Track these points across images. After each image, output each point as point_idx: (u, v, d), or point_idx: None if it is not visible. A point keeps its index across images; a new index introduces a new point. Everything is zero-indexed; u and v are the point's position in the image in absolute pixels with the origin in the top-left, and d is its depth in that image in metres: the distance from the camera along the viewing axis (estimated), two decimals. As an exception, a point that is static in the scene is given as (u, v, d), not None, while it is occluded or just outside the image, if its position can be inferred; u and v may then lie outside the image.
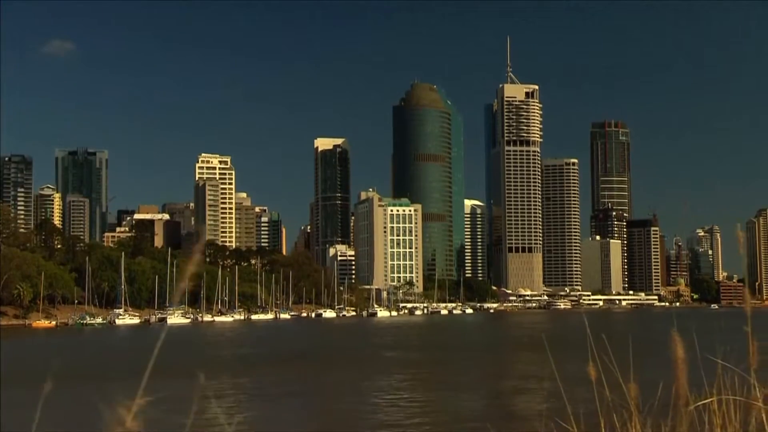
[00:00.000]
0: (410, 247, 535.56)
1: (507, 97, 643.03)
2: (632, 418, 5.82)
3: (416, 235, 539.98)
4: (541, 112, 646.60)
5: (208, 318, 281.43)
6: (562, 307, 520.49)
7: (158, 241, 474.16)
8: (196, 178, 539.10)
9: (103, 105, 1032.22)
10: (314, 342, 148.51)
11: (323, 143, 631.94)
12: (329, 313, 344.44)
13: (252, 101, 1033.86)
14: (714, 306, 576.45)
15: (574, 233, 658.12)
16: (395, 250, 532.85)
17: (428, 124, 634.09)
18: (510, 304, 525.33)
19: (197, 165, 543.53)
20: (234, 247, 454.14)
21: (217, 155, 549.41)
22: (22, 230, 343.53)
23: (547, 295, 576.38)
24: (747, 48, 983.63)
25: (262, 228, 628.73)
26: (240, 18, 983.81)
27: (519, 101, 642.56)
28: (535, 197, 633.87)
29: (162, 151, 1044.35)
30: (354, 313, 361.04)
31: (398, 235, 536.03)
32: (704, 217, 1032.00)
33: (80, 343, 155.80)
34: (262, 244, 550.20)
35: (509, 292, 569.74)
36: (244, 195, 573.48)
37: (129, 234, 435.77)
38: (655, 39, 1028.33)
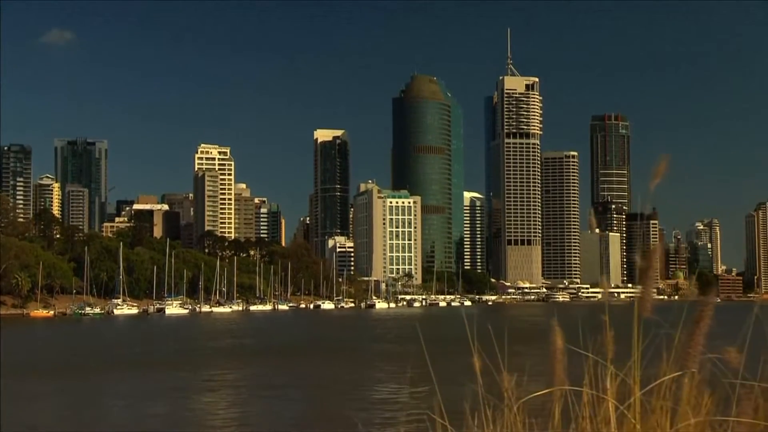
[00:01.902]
0: (409, 239, 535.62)
1: (507, 89, 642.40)
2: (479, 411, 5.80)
3: (415, 227, 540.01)
4: (541, 105, 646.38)
5: (206, 309, 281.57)
6: (561, 299, 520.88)
7: (157, 231, 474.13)
8: (196, 169, 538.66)
9: (102, 95, 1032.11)
10: (307, 334, 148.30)
11: (323, 135, 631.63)
12: (328, 305, 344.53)
13: (252, 92, 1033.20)
14: (716, 299, 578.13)
15: (573, 226, 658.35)
16: (394, 242, 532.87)
17: (428, 116, 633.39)
18: (509, 297, 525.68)
19: (197, 155, 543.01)
20: (233, 238, 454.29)
21: (217, 146, 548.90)
22: (20, 220, 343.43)
23: (546, 288, 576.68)
24: (747, 41, 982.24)
25: (262, 219, 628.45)
26: (240, 10, 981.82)
27: (519, 94, 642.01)
28: (535, 190, 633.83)
29: (161, 142, 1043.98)
30: (352, 305, 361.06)
31: (397, 227, 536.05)
32: (703, 211, 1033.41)
33: (71, 334, 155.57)
34: (262, 236, 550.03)
35: (508, 284, 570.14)
36: (244, 186, 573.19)
37: (128, 224, 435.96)
38: (656, 32, 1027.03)
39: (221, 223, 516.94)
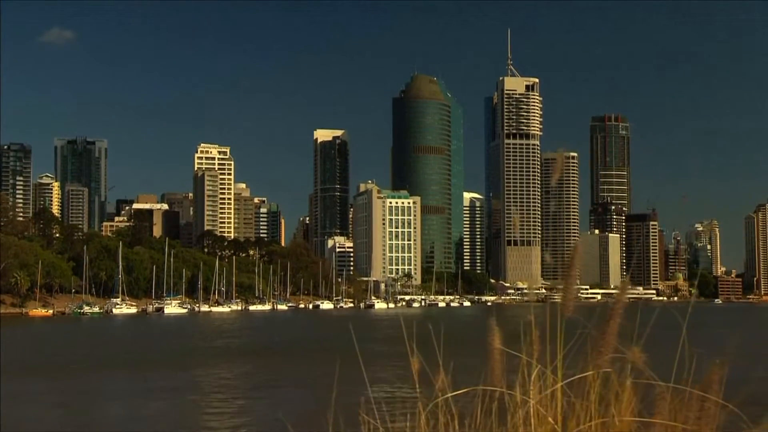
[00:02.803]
0: (409, 240, 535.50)
1: (507, 89, 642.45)
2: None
3: (415, 228, 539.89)
4: (541, 105, 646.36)
5: (205, 308, 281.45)
6: (560, 300, 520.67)
7: (157, 230, 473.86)
8: (195, 168, 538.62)
9: (102, 94, 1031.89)
10: (302, 333, 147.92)
11: (323, 135, 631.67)
12: (327, 305, 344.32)
13: (252, 92, 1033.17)
14: (717, 301, 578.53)
15: (573, 227, 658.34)
16: (394, 242, 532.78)
17: (428, 117, 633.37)
18: (508, 298, 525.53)
19: (196, 155, 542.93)
20: (232, 237, 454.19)
21: (217, 145, 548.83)
22: (20, 219, 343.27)
23: (545, 289, 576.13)
24: (747, 42, 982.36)
25: (261, 219, 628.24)
26: (240, 9, 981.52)
27: (519, 94, 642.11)
28: (535, 190, 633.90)
29: (161, 141, 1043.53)
30: (351, 305, 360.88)
31: (397, 228, 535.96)
32: (703, 212, 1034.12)
33: (66, 333, 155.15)
34: (261, 235, 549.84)
35: (507, 285, 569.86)
36: (244, 186, 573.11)
37: (127, 223, 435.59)
38: (656, 33, 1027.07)
39: (221, 222, 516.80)
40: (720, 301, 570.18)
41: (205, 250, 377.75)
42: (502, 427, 5.51)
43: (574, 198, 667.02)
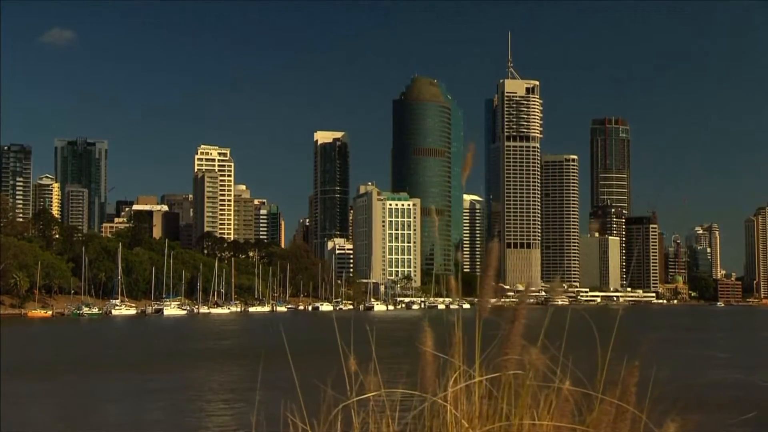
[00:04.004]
0: (408, 242, 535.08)
1: (507, 92, 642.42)
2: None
3: (415, 230, 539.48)
4: (541, 108, 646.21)
5: (204, 310, 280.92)
6: (560, 303, 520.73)
7: (156, 232, 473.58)
8: (196, 170, 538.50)
9: (103, 95, 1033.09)
10: (296, 336, 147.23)
11: (323, 136, 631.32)
12: (326, 307, 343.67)
13: (252, 93, 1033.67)
14: (719, 304, 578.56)
15: (573, 230, 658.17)
16: (393, 244, 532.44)
17: (428, 119, 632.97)
18: (508, 300, 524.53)
19: (196, 156, 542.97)
20: (232, 239, 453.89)
21: (217, 147, 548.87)
22: (20, 219, 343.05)
23: (545, 292, 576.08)
24: (747, 45, 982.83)
25: (261, 220, 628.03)
26: (240, 11, 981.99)
27: (519, 97, 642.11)
28: (535, 193, 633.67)
29: (161, 142, 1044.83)
30: (351, 307, 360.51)
31: (397, 230, 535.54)
32: (703, 215, 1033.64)
33: (62, 334, 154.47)
34: (261, 237, 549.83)
35: (507, 287, 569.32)
36: (243, 187, 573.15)
37: (127, 225, 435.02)
38: (657, 36, 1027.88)
39: (221, 224, 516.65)
40: (722, 304, 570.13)
41: (205, 251, 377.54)
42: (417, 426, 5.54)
43: (574, 201, 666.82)
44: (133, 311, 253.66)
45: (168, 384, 65.76)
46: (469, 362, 5.48)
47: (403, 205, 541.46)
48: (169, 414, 50.19)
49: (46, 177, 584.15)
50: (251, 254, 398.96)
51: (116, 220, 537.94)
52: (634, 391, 5.14)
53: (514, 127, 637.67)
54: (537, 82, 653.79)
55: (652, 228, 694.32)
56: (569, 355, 5.45)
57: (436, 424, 5.44)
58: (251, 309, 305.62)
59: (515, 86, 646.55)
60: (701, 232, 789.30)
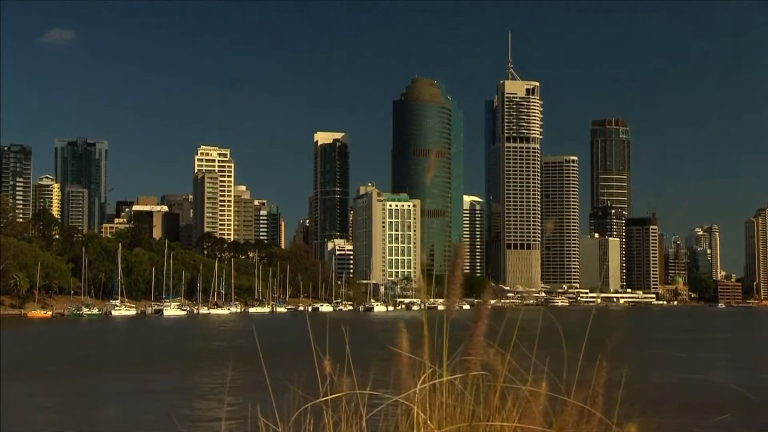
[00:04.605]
0: (408, 243, 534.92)
1: (507, 93, 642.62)
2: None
3: (415, 230, 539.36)
4: (541, 109, 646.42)
5: (204, 310, 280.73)
6: (560, 304, 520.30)
7: (156, 232, 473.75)
8: (196, 170, 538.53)
9: (103, 95, 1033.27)
10: (290, 337, 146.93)
11: (323, 137, 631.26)
12: (326, 307, 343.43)
13: (252, 94, 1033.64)
14: (720, 305, 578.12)
15: (572, 230, 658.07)
16: (393, 245, 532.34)
17: (428, 119, 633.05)
18: (508, 301, 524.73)
19: (197, 157, 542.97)
20: (232, 239, 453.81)
21: (217, 147, 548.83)
22: (20, 220, 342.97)
23: (545, 292, 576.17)
24: (747, 45, 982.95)
25: (261, 221, 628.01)
26: (241, 10, 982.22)
27: (519, 98, 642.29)
28: (535, 194, 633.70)
29: (161, 143, 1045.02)
30: (351, 308, 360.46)
31: (397, 230, 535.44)
32: (703, 216, 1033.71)
33: (59, 335, 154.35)
34: (261, 238, 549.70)
35: (507, 288, 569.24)
36: (244, 188, 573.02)
37: (127, 225, 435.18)
38: (657, 36, 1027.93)
39: (220, 224, 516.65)
40: (722, 305, 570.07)
41: (205, 252, 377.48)
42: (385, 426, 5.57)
43: (574, 201, 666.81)
44: (132, 312, 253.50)
45: (168, 384, 65.74)
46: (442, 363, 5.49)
47: (403, 205, 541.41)
48: (169, 414, 50.15)
49: (46, 177, 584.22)
50: (251, 255, 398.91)
51: (116, 220, 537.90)
52: (601, 392, 5.15)
53: (514, 128, 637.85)
54: (537, 83, 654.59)
55: (652, 229, 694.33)
56: (546, 357, 5.49)
57: (406, 425, 5.47)
58: (251, 310, 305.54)
59: (515, 87, 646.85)
60: (701, 233, 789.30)
